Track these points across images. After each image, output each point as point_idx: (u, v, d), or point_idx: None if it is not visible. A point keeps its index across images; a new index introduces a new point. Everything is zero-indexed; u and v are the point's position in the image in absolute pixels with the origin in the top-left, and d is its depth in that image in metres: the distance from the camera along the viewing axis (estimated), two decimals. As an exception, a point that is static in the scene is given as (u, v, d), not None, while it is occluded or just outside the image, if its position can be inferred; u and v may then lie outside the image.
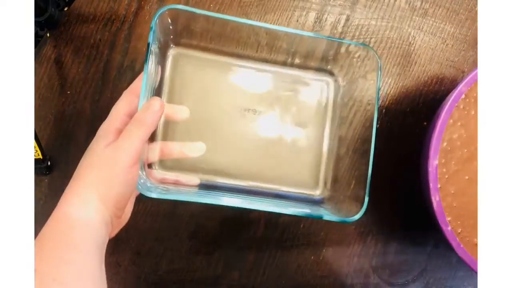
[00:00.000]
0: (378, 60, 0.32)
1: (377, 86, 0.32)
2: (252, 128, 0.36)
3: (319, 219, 0.31)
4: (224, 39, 0.35)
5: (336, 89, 0.37)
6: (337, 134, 0.37)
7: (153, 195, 0.31)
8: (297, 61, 0.37)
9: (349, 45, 0.34)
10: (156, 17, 0.31)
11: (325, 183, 0.37)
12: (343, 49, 0.34)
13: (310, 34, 0.33)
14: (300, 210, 0.32)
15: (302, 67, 0.37)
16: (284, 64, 0.37)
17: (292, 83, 0.37)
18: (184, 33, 0.35)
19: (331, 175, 0.37)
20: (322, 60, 0.36)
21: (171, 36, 0.35)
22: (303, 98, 0.37)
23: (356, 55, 0.34)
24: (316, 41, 0.34)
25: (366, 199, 0.31)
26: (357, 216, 0.31)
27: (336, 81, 0.37)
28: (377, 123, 0.32)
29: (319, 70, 0.37)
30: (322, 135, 0.37)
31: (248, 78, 0.37)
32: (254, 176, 0.36)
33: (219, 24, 0.33)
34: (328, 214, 0.32)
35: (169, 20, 0.33)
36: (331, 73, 0.37)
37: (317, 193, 0.37)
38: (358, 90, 0.35)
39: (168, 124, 0.36)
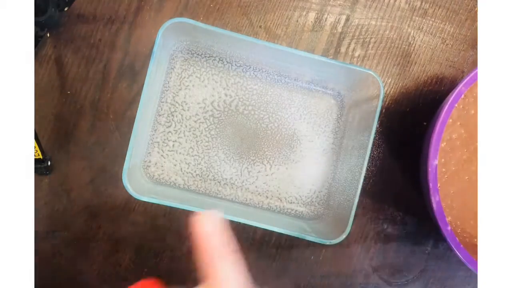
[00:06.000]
0: (381, 86, 0.32)
1: (377, 111, 0.33)
2: (251, 139, 0.36)
3: (302, 239, 0.33)
4: (231, 51, 0.35)
5: (340, 109, 0.37)
6: (335, 153, 0.37)
7: (144, 198, 0.31)
8: (305, 78, 0.37)
9: (355, 63, 0.34)
10: (160, 32, 0.31)
11: (318, 200, 0.37)
12: (348, 70, 0.34)
13: (317, 57, 0.33)
14: (286, 227, 0.33)
15: (307, 81, 0.37)
16: (288, 76, 0.37)
17: (297, 97, 0.37)
18: (189, 40, 0.35)
19: (325, 193, 0.37)
20: (329, 79, 0.37)
21: (176, 43, 0.35)
22: (306, 114, 0.37)
23: (361, 78, 0.34)
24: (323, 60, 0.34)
25: (349, 226, 0.32)
26: (337, 240, 0.32)
27: (340, 100, 0.37)
28: (371, 148, 0.33)
29: (324, 87, 0.37)
30: (321, 152, 0.37)
31: (254, 89, 0.37)
32: (248, 187, 0.36)
33: (226, 36, 0.33)
34: (312, 234, 0.33)
35: (174, 30, 0.33)
36: (335, 92, 0.37)
37: (308, 209, 0.37)
38: (361, 111, 0.35)
39: (171, 127, 0.36)
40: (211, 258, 0.23)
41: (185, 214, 0.37)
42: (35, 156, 0.34)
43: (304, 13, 0.38)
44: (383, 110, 0.38)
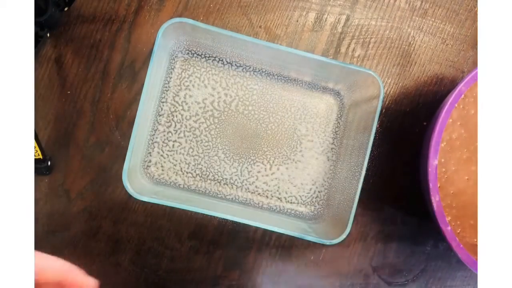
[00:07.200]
0: (381, 86, 0.32)
1: (377, 111, 0.33)
2: (251, 139, 0.36)
3: (302, 239, 0.33)
4: (231, 51, 0.35)
5: (340, 109, 0.37)
6: (335, 153, 0.37)
7: (144, 198, 0.31)
8: (305, 78, 0.37)
9: (355, 63, 0.34)
10: (160, 32, 0.31)
11: (318, 200, 0.37)
12: (348, 70, 0.34)
13: (317, 57, 0.33)
14: (286, 227, 0.33)
15: (307, 81, 0.37)
16: (288, 76, 0.37)
17: (297, 97, 0.37)
18: (189, 40, 0.35)
19: (325, 193, 0.37)
20: (329, 79, 0.37)
21: (176, 43, 0.35)
22: (306, 114, 0.37)
23: (361, 78, 0.34)
24: (323, 61, 0.34)
25: (349, 226, 0.32)
26: (337, 240, 0.32)
27: (340, 100, 0.37)
28: (371, 148, 0.33)
29: (324, 87, 0.37)
30: (321, 152, 0.37)
31: (254, 89, 0.37)
32: (248, 187, 0.36)
33: (226, 36, 0.33)
34: (312, 234, 0.33)
35: (174, 30, 0.33)
36: (335, 92, 0.37)
37: (308, 209, 0.37)
38: (361, 111, 0.35)
39: (171, 127, 0.36)
40: None
41: (185, 214, 0.37)
42: (35, 156, 0.34)
43: (304, 13, 0.38)
44: (383, 110, 0.38)
